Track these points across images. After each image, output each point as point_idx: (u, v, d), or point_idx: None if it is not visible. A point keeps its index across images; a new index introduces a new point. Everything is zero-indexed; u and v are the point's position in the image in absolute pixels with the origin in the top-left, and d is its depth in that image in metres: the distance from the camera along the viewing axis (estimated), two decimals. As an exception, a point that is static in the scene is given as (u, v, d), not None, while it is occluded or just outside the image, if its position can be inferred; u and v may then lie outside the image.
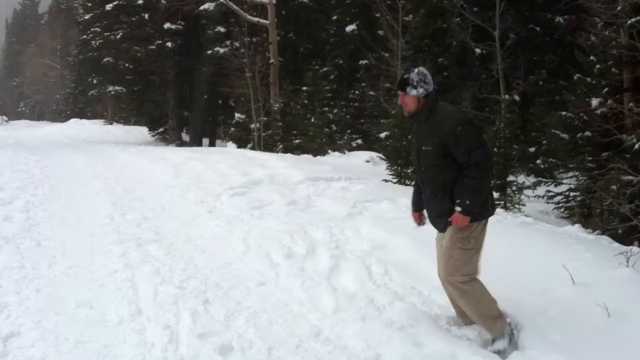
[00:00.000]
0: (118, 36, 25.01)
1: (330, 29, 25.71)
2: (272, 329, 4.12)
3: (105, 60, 26.04)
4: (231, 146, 18.57)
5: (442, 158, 3.81)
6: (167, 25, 23.89)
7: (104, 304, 4.48)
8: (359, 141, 22.62)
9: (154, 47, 24.02)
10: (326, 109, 20.37)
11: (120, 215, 7.39)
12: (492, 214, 3.92)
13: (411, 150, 4.22)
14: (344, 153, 17.79)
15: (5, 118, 52.94)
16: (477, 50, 17.65)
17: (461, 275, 3.84)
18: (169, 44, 23.99)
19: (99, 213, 7.52)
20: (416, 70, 3.93)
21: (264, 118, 18.31)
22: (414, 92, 3.89)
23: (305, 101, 19.07)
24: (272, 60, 19.47)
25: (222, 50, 21.71)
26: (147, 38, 24.19)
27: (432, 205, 4.00)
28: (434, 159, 3.85)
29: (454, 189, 3.82)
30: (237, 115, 20.13)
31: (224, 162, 11.52)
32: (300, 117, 18.60)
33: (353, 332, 4.02)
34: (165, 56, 24.35)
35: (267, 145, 17.61)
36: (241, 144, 18.69)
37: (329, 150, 17.54)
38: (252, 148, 17.59)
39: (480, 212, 3.82)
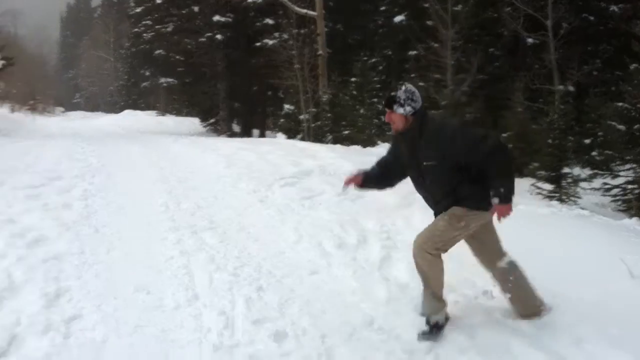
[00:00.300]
0: (169, 29, 25.52)
1: (379, 20, 25.46)
2: (326, 317, 4.15)
3: (156, 52, 26.65)
4: (281, 137, 18.64)
5: (447, 169, 3.72)
6: (216, 18, 24.11)
7: (161, 289, 4.59)
8: (408, 132, 22.40)
9: (204, 39, 24.32)
10: (375, 99, 20.22)
11: (175, 204, 7.53)
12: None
13: (405, 164, 4.08)
14: (393, 144, 17.64)
15: (61, 109, 54.57)
16: (529, 40, 17.28)
17: (432, 243, 3.79)
18: (218, 37, 24.20)
19: (155, 201, 7.67)
20: (403, 88, 3.87)
21: (313, 109, 18.36)
22: (400, 110, 3.82)
23: (354, 92, 18.98)
24: (320, 52, 19.47)
25: (270, 42, 21.81)
26: (197, 31, 24.51)
27: (437, 206, 3.96)
28: (439, 172, 3.77)
29: (458, 190, 3.76)
30: (286, 106, 20.24)
31: (275, 152, 11.56)
32: (349, 108, 18.53)
33: (407, 322, 4.02)
34: (215, 48, 24.61)
35: (317, 136, 17.65)
36: (291, 134, 18.78)
37: (379, 142, 17.43)
38: (302, 139, 17.67)
39: (485, 204, 3.73)
